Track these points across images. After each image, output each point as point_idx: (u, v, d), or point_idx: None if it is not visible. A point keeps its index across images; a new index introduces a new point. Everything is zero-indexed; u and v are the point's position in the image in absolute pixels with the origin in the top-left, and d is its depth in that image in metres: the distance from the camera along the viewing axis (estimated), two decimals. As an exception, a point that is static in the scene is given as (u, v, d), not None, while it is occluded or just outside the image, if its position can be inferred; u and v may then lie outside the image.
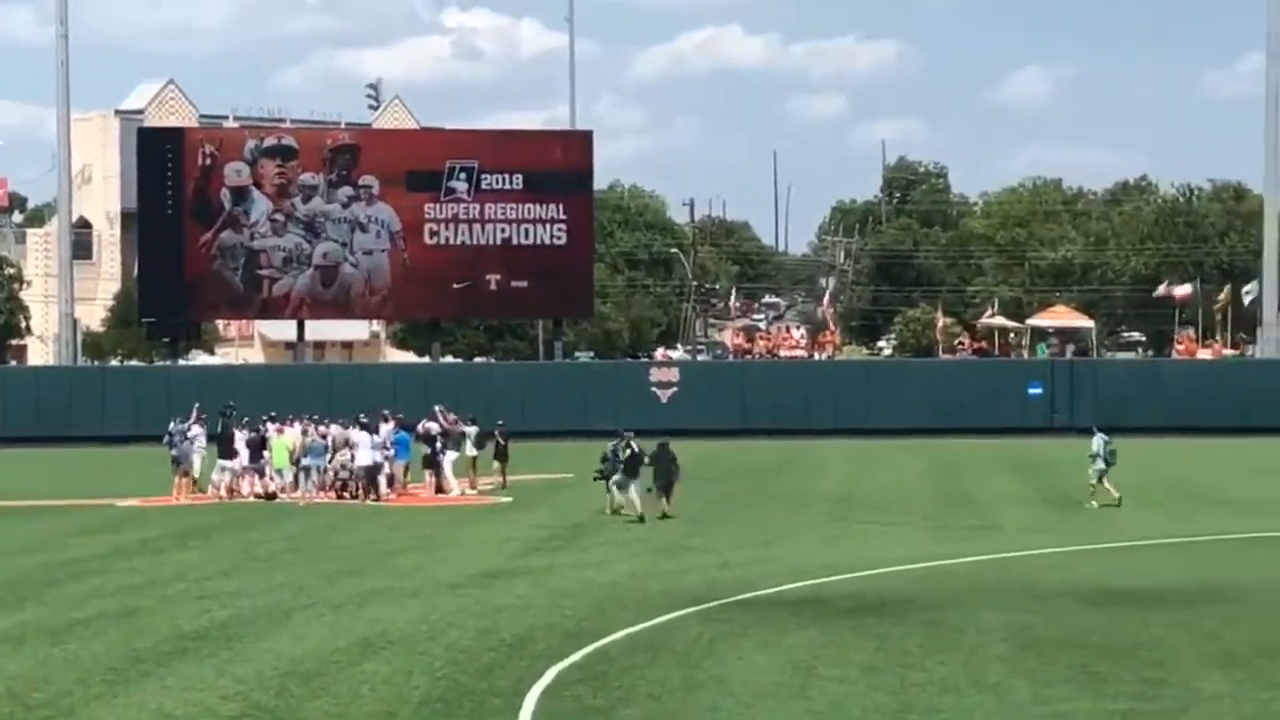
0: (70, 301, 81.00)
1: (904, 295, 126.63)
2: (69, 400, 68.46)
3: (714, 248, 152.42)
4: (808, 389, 71.44)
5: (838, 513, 43.17)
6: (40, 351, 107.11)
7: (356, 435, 46.69)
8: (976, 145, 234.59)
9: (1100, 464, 43.86)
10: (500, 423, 49.61)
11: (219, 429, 47.25)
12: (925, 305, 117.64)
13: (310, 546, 36.69)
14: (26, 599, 29.18)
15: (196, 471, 47.26)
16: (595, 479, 42.62)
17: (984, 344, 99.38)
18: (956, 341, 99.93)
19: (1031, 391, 70.94)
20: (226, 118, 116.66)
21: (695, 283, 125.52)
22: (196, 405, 48.36)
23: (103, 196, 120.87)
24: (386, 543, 37.13)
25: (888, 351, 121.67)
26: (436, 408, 49.03)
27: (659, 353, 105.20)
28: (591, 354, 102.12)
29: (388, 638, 25.14)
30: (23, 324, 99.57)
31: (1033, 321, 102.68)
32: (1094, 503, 43.51)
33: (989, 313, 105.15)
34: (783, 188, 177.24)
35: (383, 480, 46.16)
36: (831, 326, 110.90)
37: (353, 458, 46.22)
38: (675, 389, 70.79)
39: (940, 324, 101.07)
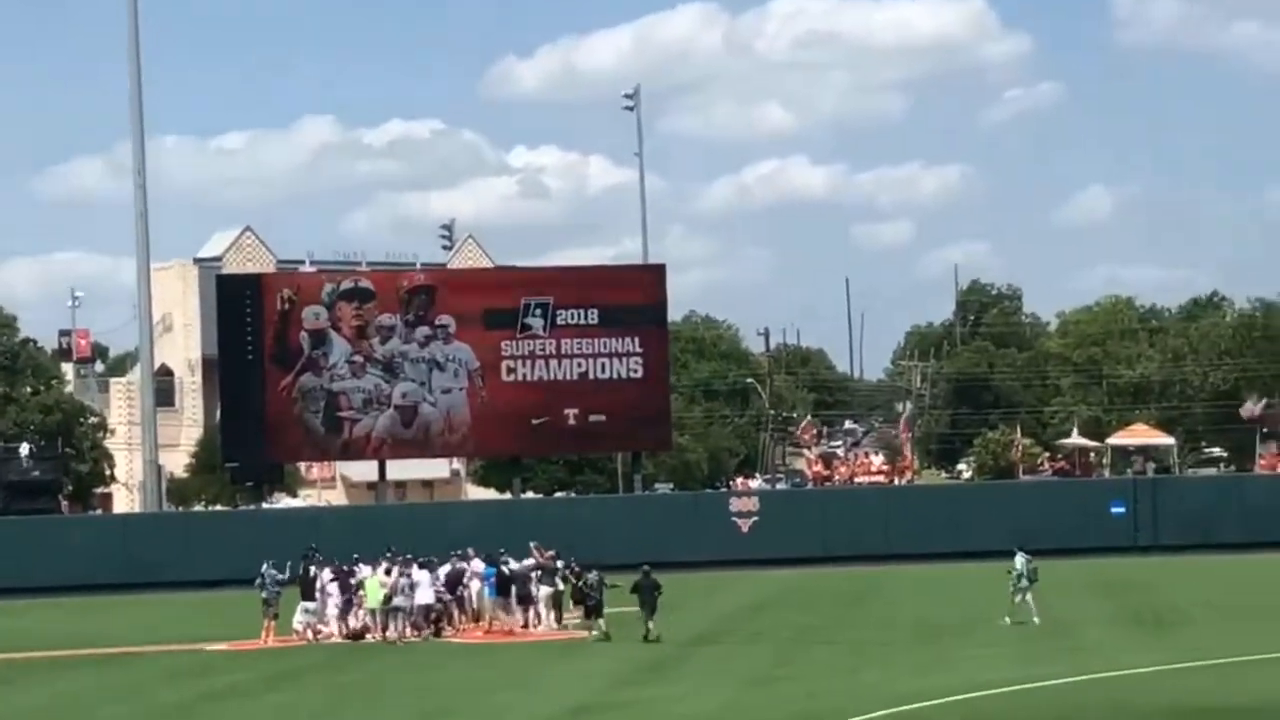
0: (154, 449, 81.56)
1: (982, 417, 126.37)
2: (155, 547, 68.71)
3: (790, 376, 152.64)
4: (888, 515, 71.18)
5: (925, 638, 42.99)
6: (125, 499, 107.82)
7: (417, 574, 47.06)
8: (1045, 266, 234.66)
9: (1024, 583, 44.90)
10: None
11: (300, 571, 47.50)
12: (1004, 427, 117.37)
13: (400, 685, 36.81)
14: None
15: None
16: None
17: (1065, 464, 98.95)
18: (1037, 462, 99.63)
19: (1114, 510, 70.48)
20: (303, 262, 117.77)
21: (773, 411, 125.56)
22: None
23: (183, 344, 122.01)
24: (476, 680, 37.22)
25: (967, 474, 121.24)
26: (532, 544, 49.12)
27: (738, 482, 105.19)
28: (671, 485, 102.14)
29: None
30: (107, 472, 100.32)
31: (1113, 440, 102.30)
32: (1008, 619, 44.28)
33: (1071, 434, 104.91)
34: (856, 315, 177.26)
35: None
36: (906, 452, 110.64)
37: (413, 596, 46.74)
38: (756, 518, 70.63)
39: (1019, 445, 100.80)
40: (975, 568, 63.94)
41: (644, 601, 43.66)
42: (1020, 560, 45.39)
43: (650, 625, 43.33)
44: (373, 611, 46.83)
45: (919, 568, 64.84)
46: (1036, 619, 44.14)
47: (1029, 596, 44.84)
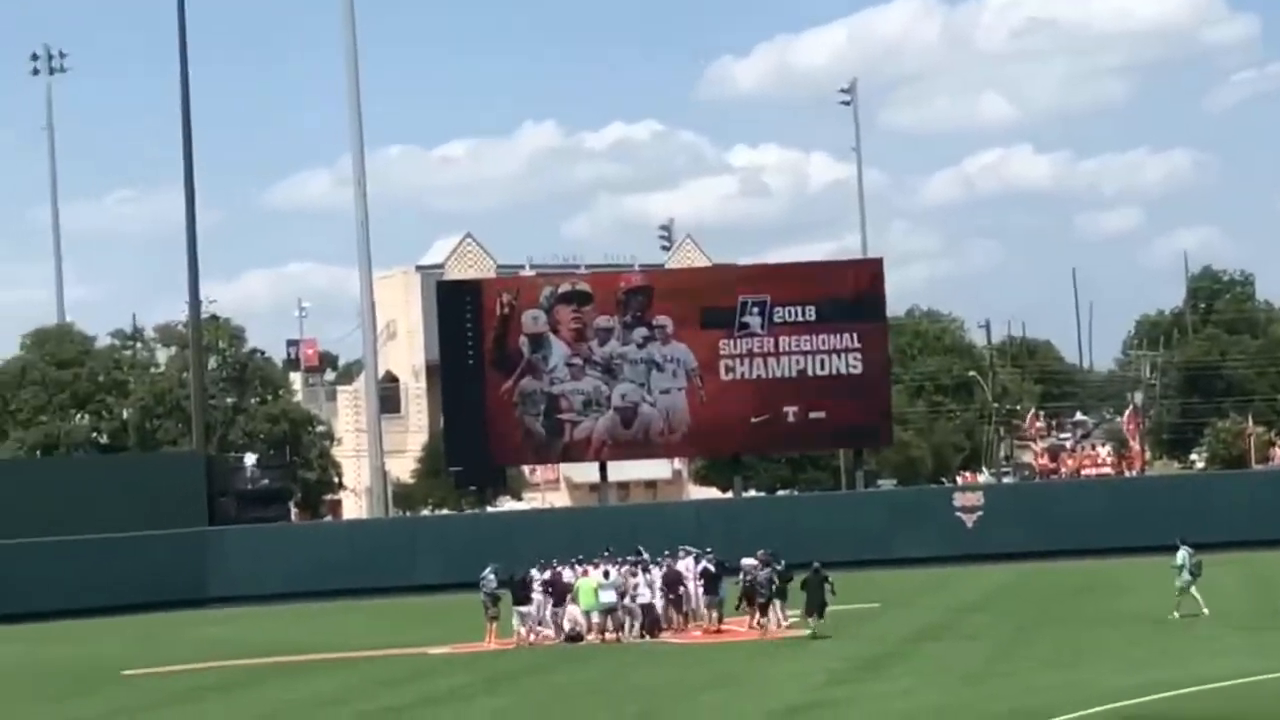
0: (380, 455, 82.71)
1: (1214, 406, 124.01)
2: (382, 551, 69.53)
3: (1017, 369, 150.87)
4: (1115, 507, 69.97)
5: (1148, 632, 42.25)
6: (354, 505, 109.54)
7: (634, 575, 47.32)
8: (1279, 251, 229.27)
9: (1187, 576, 44.76)
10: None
11: (516, 575, 47.79)
12: (1236, 416, 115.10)
13: (613, 688, 36.90)
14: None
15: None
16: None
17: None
18: (1270, 450, 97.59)
19: (1351, 498, 68.78)
20: (523, 267, 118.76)
21: (996, 404, 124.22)
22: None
23: (407, 350, 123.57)
24: (689, 681, 37.16)
25: (1200, 464, 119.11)
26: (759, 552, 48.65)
27: (963, 477, 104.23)
28: (894, 481, 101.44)
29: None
30: (335, 479, 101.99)
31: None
32: (1175, 614, 44.22)
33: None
34: (1083, 304, 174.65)
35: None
36: (1132, 443, 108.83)
37: (634, 597, 46.88)
38: (980, 513, 69.90)
39: (1251, 434, 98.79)
40: (1206, 559, 62.64)
41: (810, 598, 44.25)
42: (1183, 554, 44.74)
43: (811, 622, 44.19)
44: (587, 613, 47.03)
45: (1146, 560, 63.53)
46: (1206, 610, 43.96)
47: (1193, 590, 44.49)
